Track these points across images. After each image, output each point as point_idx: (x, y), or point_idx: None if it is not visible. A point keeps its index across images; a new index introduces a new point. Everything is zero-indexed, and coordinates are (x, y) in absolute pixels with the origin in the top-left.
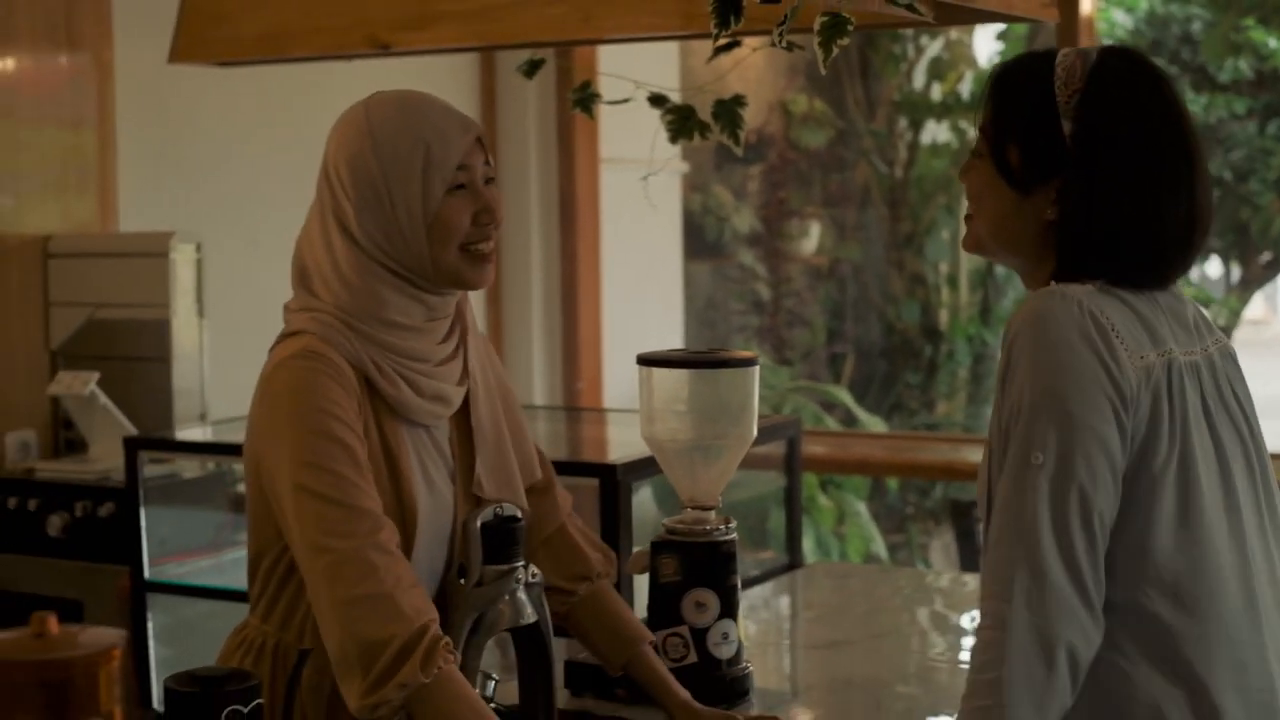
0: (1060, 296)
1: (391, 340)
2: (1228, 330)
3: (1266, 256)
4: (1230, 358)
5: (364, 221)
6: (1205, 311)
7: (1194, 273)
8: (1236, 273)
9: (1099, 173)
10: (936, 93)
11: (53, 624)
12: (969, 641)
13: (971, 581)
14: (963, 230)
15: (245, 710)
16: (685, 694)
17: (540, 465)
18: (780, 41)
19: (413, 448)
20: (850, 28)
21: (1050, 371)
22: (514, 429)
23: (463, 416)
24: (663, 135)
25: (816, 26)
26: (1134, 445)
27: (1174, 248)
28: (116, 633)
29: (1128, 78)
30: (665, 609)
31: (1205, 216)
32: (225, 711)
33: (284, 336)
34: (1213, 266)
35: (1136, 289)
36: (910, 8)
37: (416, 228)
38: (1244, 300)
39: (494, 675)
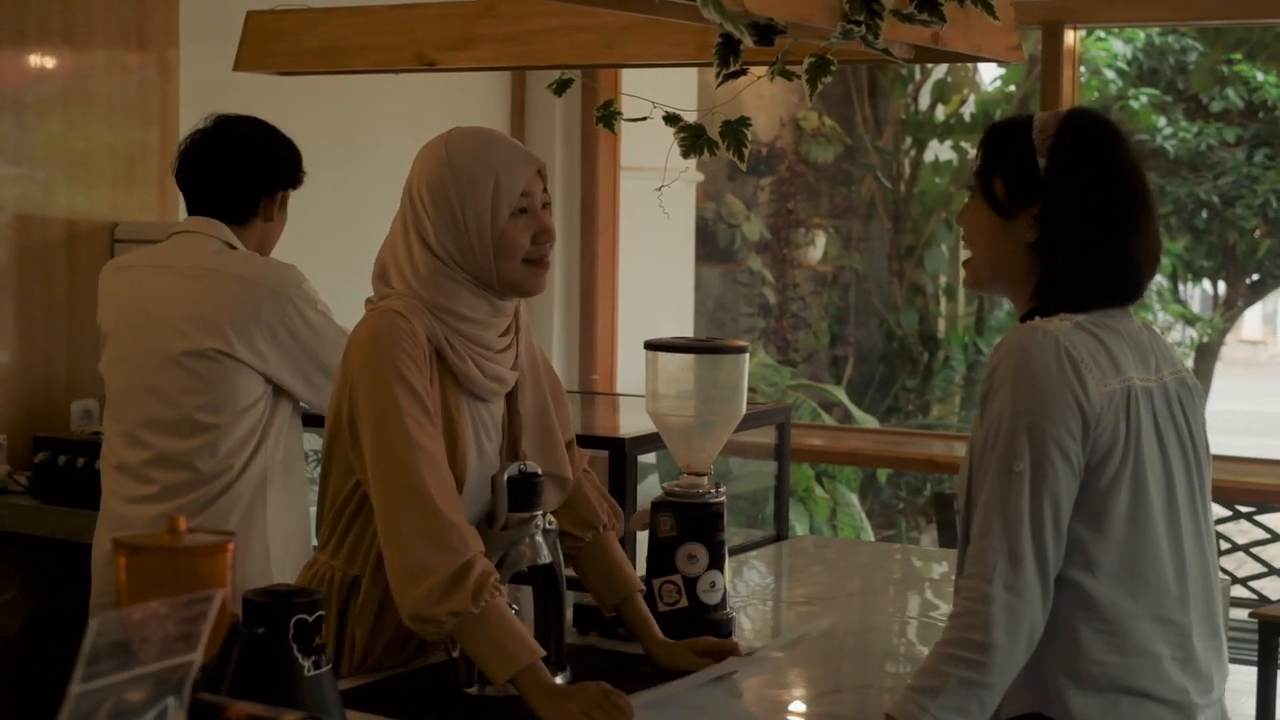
0: (1041, 332)
1: (461, 327)
2: (1211, 347)
3: (1253, 278)
4: (1188, 388)
5: (441, 237)
6: (1164, 342)
7: (1181, 292)
8: (1222, 293)
9: (1068, 198)
10: (940, 114)
11: (182, 523)
12: (930, 598)
13: (936, 555)
14: (963, 273)
15: (310, 619)
16: (660, 634)
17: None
18: (772, 79)
19: (471, 420)
20: (833, 67)
21: (1028, 396)
22: (554, 393)
23: (514, 399)
24: (676, 150)
25: (804, 65)
26: (1095, 455)
27: (1130, 263)
28: (228, 533)
29: (1090, 129)
30: (662, 560)
31: (1155, 243)
32: (293, 619)
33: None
34: (1201, 287)
35: (1103, 308)
36: (886, 52)
37: (486, 244)
38: (1229, 320)
39: (515, 605)
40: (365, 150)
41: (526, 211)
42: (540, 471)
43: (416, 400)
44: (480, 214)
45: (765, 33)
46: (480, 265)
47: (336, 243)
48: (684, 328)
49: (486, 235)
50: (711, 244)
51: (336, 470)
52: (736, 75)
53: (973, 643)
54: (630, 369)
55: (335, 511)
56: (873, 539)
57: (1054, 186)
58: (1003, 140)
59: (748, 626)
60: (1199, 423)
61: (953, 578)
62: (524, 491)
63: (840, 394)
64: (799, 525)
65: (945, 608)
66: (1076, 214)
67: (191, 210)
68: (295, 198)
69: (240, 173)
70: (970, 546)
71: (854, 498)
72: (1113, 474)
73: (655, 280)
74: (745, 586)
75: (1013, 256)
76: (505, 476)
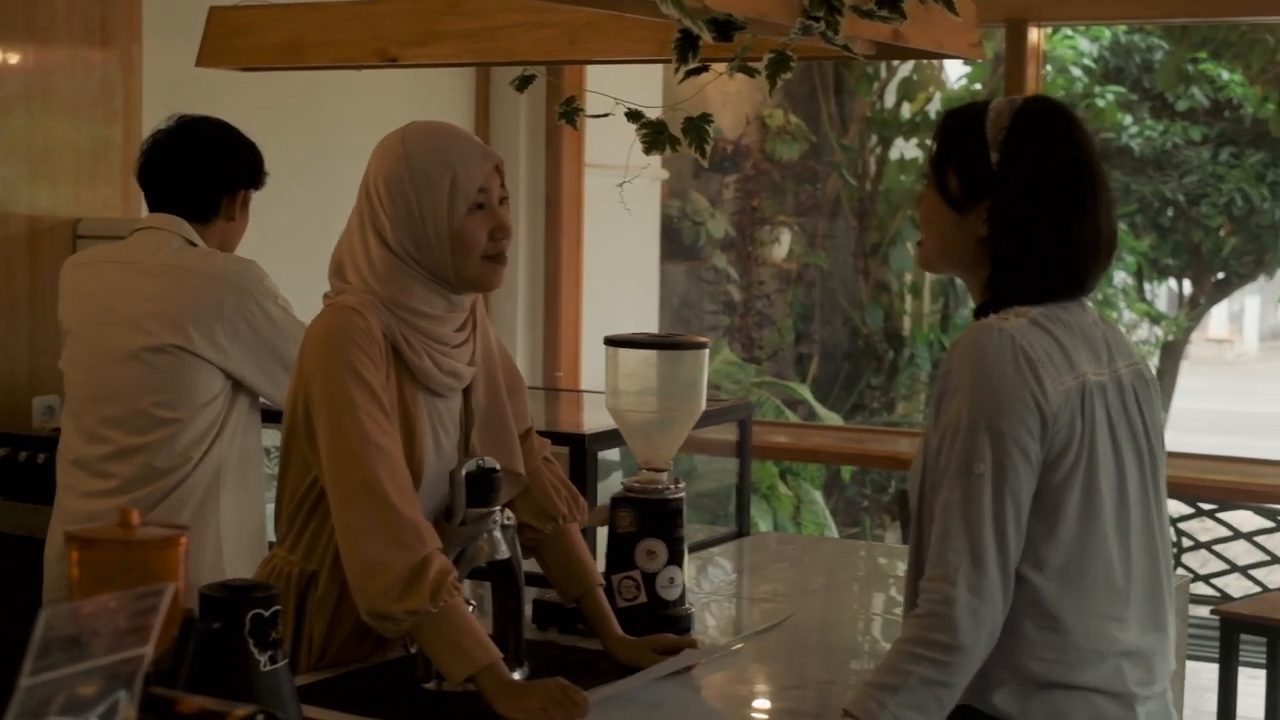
0: (997, 331)
1: (416, 322)
2: (1177, 345)
3: (1218, 276)
4: (1142, 379)
5: (398, 232)
6: (1121, 333)
7: (1147, 290)
8: (1188, 292)
9: (1019, 195)
10: (906, 111)
11: (134, 516)
12: (894, 595)
13: (901, 552)
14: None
15: (266, 614)
16: (619, 630)
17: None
18: (731, 75)
19: (428, 415)
20: (793, 63)
21: (986, 396)
22: (511, 385)
23: (470, 394)
24: (638, 146)
25: (764, 61)
26: (1051, 452)
27: (1082, 259)
28: (181, 527)
29: (1045, 120)
30: (621, 555)
31: (1109, 236)
32: (249, 614)
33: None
34: (1166, 286)
35: (1056, 301)
36: (846, 48)
37: (442, 240)
38: (1194, 318)
39: (472, 601)
40: (330, 147)
41: (484, 207)
42: (498, 467)
43: (372, 396)
44: (437, 210)
45: (724, 28)
46: (437, 261)
47: (301, 240)
48: (648, 325)
49: (443, 231)
50: (676, 241)
51: (295, 466)
52: (698, 72)
53: (937, 643)
54: (594, 366)
55: (294, 507)
56: (837, 536)
57: (1006, 182)
58: (957, 131)
59: (711, 624)
60: (1154, 416)
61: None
62: (482, 487)
63: (805, 391)
64: (762, 522)
65: None
66: (1027, 210)
67: (153, 209)
68: (260, 194)
69: (202, 172)
70: (932, 548)
71: (818, 495)
72: (1067, 470)
73: (620, 277)
74: (709, 583)
75: (965, 248)
76: (464, 472)
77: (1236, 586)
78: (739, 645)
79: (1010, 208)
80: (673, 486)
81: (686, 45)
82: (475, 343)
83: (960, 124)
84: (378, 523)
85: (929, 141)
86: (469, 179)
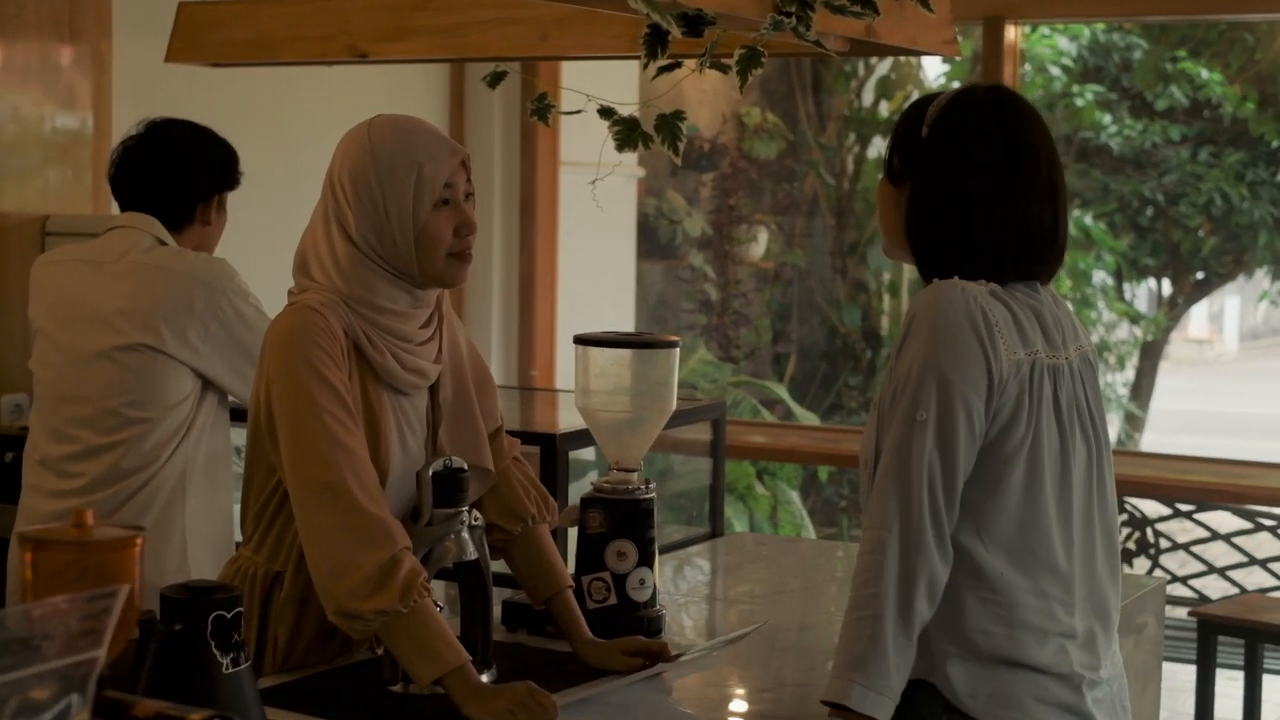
0: (961, 289)
1: (380, 319)
2: (1156, 345)
3: (1197, 276)
4: (1088, 363)
5: (362, 227)
6: (1072, 315)
7: (1126, 290)
8: (1167, 292)
9: (933, 175)
10: (884, 110)
11: (89, 517)
12: None
13: None
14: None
15: (229, 615)
16: (589, 633)
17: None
18: (702, 70)
19: (393, 414)
20: (763, 59)
21: (941, 347)
22: (480, 382)
23: (436, 391)
24: (611, 143)
25: (735, 57)
26: (996, 424)
27: (993, 253)
28: (138, 527)
29: (982, 108)
30: (591, 556)
31: (1037, 233)
32: (211, 616)
33: (288, 306)
34: (1145, 285)
35: (1001, 284)
36: (818, 44)
37: (407, 236)
38: (1173, 318)
39: (440, 604)
40: (302, 143)
41: (449, 203)
42: (466, 467)
43: (334, 395)
44: (402, 205)
45: (694, 23)
46: (401, 257)
47: (273, 236)
48: (625, 324)
49: (408, 227)
50: (653, 240)
51: (260, 466)
52: (669, 68)
53: (873, 596)
54: (569, 365)
55: (259, 506)
56: (814, 537)
57: (925, 160)
58: (911, 111)
59: (688, 624)
60: (1098, 399)
61: None
62: (449, 487)
63: (781, 391)
64: (738, 523)
65: None
66: (937, 192)
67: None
68: (232, 191)
69: (174, 183)
70: (869, 496)
71: (795, 495)
72: (1015, 446)
73: (596, 276)
74: (684, 584)
75: (900, 227)
76: (430, 472)
77: (1215, 588)
78: (717, 652)
79: (923, 188)
80: (643, 487)
81: (655, 40)
82: (441, 340)
83: (916, 105)
84: (344, 522)
85: None
86: (435, 174)
